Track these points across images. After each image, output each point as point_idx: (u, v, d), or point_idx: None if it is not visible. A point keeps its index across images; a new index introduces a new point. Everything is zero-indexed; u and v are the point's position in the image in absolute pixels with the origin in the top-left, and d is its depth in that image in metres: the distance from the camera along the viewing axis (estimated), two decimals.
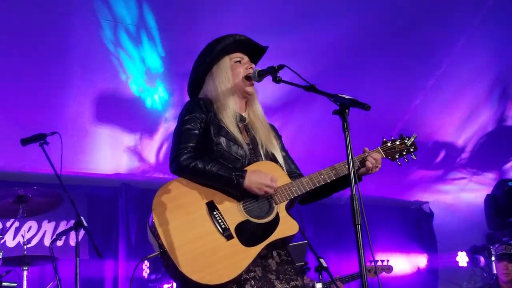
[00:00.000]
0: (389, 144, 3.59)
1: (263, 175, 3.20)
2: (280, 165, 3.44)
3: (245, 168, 3.24)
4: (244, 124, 3.50)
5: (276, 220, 3.21)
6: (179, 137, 3.31)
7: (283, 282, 3.20)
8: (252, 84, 3.49)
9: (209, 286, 2.97)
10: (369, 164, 3.41)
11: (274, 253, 3.26)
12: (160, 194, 3.15)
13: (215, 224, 3.10)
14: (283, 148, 3.62)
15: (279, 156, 3.48)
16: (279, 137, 3.66)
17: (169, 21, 6.76)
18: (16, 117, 6.86)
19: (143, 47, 6.95)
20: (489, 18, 7.90)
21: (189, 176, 3.22)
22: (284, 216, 3.24)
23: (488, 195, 10.10)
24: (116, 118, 7.42)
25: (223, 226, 3.10)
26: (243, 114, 3.53)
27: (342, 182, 3.39)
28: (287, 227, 3.22)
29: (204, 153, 3.26)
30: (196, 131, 3.31)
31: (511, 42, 8.47)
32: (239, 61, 3.53)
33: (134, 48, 6.94)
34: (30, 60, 6.52)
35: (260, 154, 3.41)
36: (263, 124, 3.55)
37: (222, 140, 3.31)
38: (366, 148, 3.53)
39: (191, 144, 3.26)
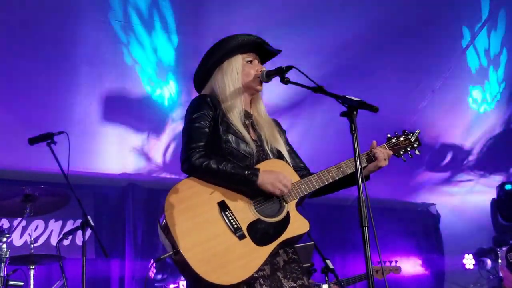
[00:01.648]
0: (393, 141, 3.63)
1: (276, 173, 3.22)
2: (287, 162, 3.46)
3: (257, 167, 3.25)
4: (250, 121, 3.52)
5: (287, 219, 3.22)
6: (189, 136, 3.30)
7: (290, 280, 3.21)
8: (262, 84, 3.49)
9: (224, 287, 2.99)
10: (380, 156, 3.44)
11: (281, 251, 3.27)
12: (172, 195, 3.15)
13: (227, 224, 3.11)
14: (287, 143, 3.64)
15: (285, 152, 3.50)
16: (283, 132, 3.67)
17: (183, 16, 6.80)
18: (24, 116, 6.89)
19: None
20: (494, 20, 7.91)
21: (202, 176, 3.21)
22: (294, 215, 3.25)
23: (493, 199, 10.10)
24: (123, 118, 7.44)
25: (235, 226, 3.11)
26: (249, 111, 3.54)
27: (350, 178, 3.40)
28: (298, 225, 3.23)
29: (213, 150, 3.27)
30: (206, 129, 3.31)
31: None
32: (251, 61, 3.53)
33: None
34: (38, 60, 6.54)
35: (267, 151, 3.42)
36: (266, 120, 3.56)
37: (231, 137, 3.31)
38: (374, 142, 3.55)
39: (202, 143, 3.26)
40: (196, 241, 3.04)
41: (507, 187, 9.91)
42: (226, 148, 3.28)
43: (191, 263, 2.99)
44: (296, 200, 3.29)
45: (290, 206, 3.26)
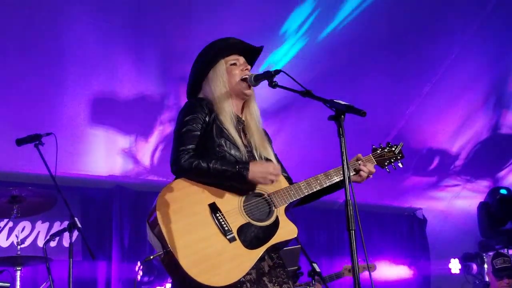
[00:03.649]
0: (378, 152, 3.73)
1: (266, 165, 3.27)
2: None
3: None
4: (242, 127, 3.53)
5: (276, 224, 3.25)
6: (180, 138, 3.30)
7: (275, 285, 3.24)
8: (249, 86, 3.50)
9: None
10: (363, 174, 3.53)
11: (266, 257, 3.29)
12: (163, 195, 3.16)
13: (218, 226, 3.13)
14: (273, 152, 3.66)
15: (274, 161, 3.51)
16: (270, 141, 3.70)
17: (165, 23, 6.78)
18: (12, 117, 6.85)
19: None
20: (484, 28, 7.96)
21: (193, 176, 3.23)
22: (283, 220, 3.28)
23: (481, 203, 10.14)
24: (112, 120, 7.42)
25: (226, 228, 3.13)
26: (240, 116, 3.56)
27: (335, 186, 3.49)
28: (287, 231, 3.27)
29: (207, 153, 3.28)
30: (197, 132, 3.32)
31: (506, 51, 8.52)
32: (235, 63, 3.54)
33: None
34: (26, 61, 6.51)
35: (257, 158, 3.44)
36: (258, 128, 3.57)
37: (224, 141, 3.33)
38: (360, 155, 3.61)
39: (192, 146, 3.26)
40: (187, 242, 3.06)
41: (502, 191, 9.92)
42: (220, 152, 3.30)
43: (182, 263, 3.00)
44: (285, 206, 3.32)
45: (280, 211, 3.30)
